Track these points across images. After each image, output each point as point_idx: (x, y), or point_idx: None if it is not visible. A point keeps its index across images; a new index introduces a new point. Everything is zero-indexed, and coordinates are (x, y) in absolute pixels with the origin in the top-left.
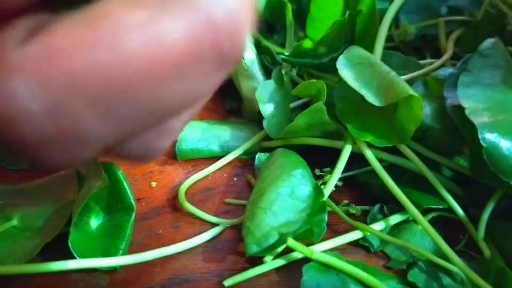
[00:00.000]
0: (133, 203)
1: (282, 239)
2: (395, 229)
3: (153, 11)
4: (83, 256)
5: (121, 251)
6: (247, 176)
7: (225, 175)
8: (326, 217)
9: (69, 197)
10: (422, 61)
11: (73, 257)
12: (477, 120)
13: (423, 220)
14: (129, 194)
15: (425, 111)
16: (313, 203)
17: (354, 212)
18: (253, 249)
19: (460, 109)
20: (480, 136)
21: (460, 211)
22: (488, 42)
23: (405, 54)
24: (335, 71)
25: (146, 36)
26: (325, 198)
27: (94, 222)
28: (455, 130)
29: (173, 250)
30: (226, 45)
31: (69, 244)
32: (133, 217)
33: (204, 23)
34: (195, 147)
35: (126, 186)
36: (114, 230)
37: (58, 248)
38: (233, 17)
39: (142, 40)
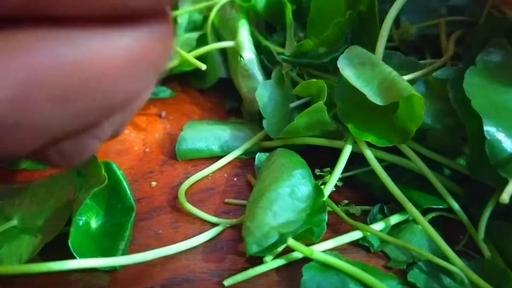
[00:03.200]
0: (133, 203)
1: (282, 239)
2: (395, 229)
3: None
4: (83, 256)
5: (121, 251)
6: (247, 176)
7: (225, 175)
8: (326, 217)
9: (69, 197)
10: (422, 61)
11: (73, 257)
12: (483, 112)
13: (423, 220)
14: (129, 194)
15: (426, 111)
16: (313, 203)
17: (354, 212)
18: (253, 249)
19: (465, 102)
20: (484, 128)
21: (460, 211)
22: (495, 41)
23: (406, 54)
24: (335, 71)
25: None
26: (325, 198)
27: (94, 222)
28: (455, 130)
29: (173, 250)
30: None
31: (69, 244)
32: (133, 217)
33: None
34: (195, 147)
35: (126, 186)
36: (114, 230)
37: (58, 248)
38: None
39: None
